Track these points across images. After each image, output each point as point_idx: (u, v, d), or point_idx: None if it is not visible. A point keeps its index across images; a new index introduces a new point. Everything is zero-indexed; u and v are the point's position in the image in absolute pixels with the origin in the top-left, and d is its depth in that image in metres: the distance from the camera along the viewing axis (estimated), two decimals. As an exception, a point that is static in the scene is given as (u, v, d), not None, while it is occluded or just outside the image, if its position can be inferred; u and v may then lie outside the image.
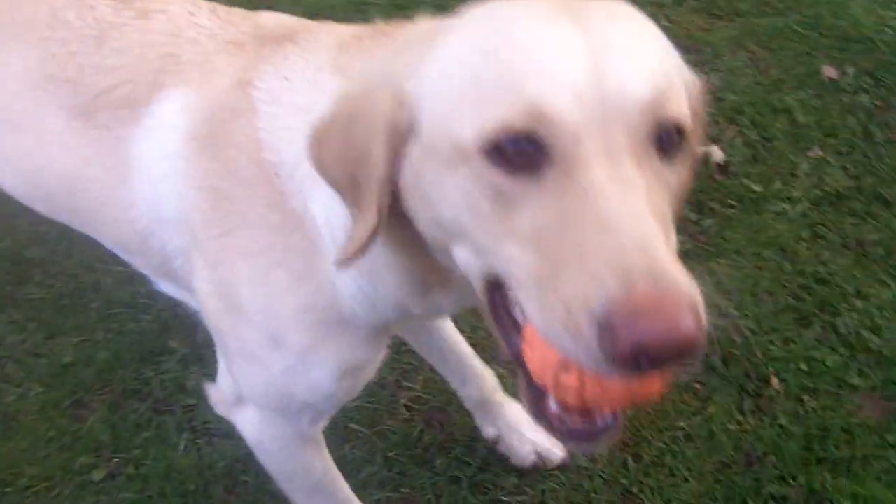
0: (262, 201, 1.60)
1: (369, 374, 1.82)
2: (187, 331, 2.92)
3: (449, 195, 1.21)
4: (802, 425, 2.81)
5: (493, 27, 1.22)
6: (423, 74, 1.25)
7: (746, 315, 3.08)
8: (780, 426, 2.81)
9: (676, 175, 1.23)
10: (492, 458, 2.70)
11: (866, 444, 2.72)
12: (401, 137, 1.25)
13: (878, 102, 3.88)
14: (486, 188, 1.16)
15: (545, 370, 1.20)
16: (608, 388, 1.16)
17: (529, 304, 1.15)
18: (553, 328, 1.10)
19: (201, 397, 2.70)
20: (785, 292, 3.18)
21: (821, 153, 3.66)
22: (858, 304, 3.12)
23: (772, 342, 3.03)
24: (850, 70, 4.01)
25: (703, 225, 3.35)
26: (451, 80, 1.21)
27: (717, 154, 3.53)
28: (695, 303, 1.09)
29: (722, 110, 3.77)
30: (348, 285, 1.58)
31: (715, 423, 2.80)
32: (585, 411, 1.24)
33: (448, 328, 2.59)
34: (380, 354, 1.80)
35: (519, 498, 2.64)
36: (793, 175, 3.57)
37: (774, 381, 2.91)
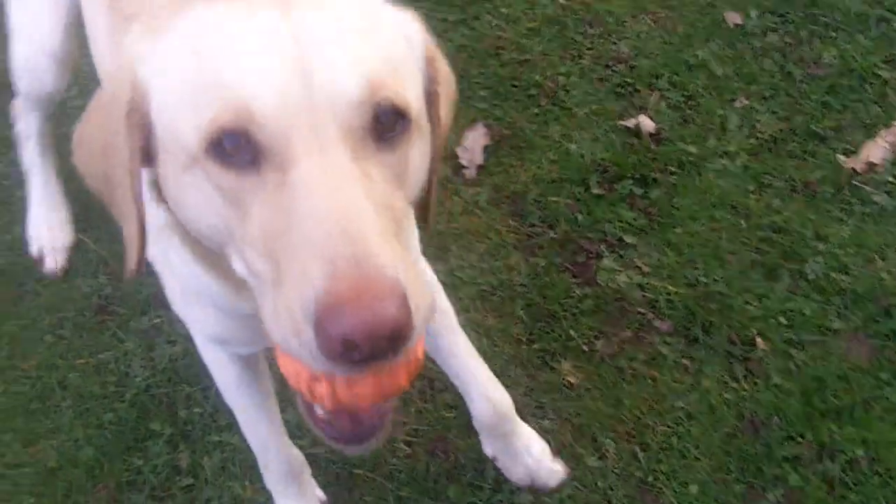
0: None
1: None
2: (167, 410, 2.90)
3: (191, 198, 1.23)
4: (797, 381, 2.89)
5: (207, 22, 1.23)
6: (151, 65, 1.25)
7: (715, 280, 3.15)
8: (776, 385, 2.89)
9: (402, 158, 1.24)
10: (502, 478, 2.72)
11: (863, 388, 2.82)
12: (143, 128, 1.27)
13: (788, 40, 3.96)
14: (218, 189, 1.18)
15: (299, 380, 1.22)
16: (355, 387, 1.18)
17: (264, 311, 1.17)
18: (282, 333, 1.12)
19: (198, 476, 2.70)
20: (747, 249, 3.26)
21: (746, 102, 3.73)
22: (821, 246, 3.22)
23: (747, 302, 3.10)
24: (753, 12, 4.07)
25: (651, 197, 3.40)
26: (171, 79, 1.22)
27: (647, 123, 3.59)
28: (399, 287, 1.06)
29: (640, 77, 3.81)
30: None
31: (712, 396, 2.87)
32: (352, 414, 1.27)
33: (461, 342, 2.61)
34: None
35: (538, 510, 2.67)
36: (724, 129, 3.64)
37: (759, 340, 2.99)
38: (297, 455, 2.58)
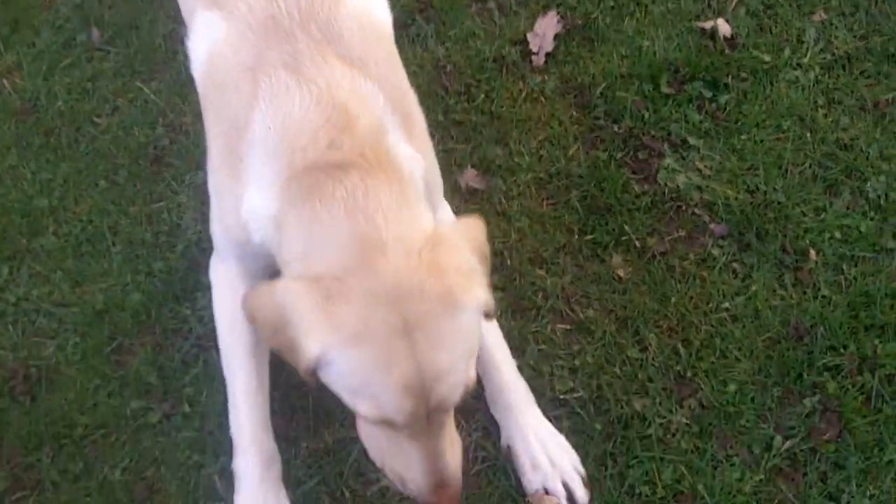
0: (230, 144, 2.32)
1: None
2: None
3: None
4: (845, 294, 2.94)
5: (365, 363, 1.91)
6: (320, 354, 1.92)
7: (775, 189, 3.19)
8: (824, 297, 2.95)
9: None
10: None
11: (911, 307, 2.88)
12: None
13: (872, -43, 3.90)
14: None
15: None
16: None
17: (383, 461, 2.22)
18: (394, 480, 2.20)
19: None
20: (810, 162, 3.29)
21: (825, 16, 3.71)
22: (884, 166, 3.24)
23: (804, 213, 3.14)
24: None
25: (719, 101, 3.42)
26: (340, 376, 1.96)
27: (724, 27, 3.59)
28: (459, 489, 2.14)
29: (721, -19, 3.79)
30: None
31: (759, 301, 2.93)
32: None
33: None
34: None
35: (576, 395, 2.76)
36: (800, 41, 3.63)
37: (811, 252, 3.04)
38: (272, 446, 2.57)
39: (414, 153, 2.27)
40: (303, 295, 1.90)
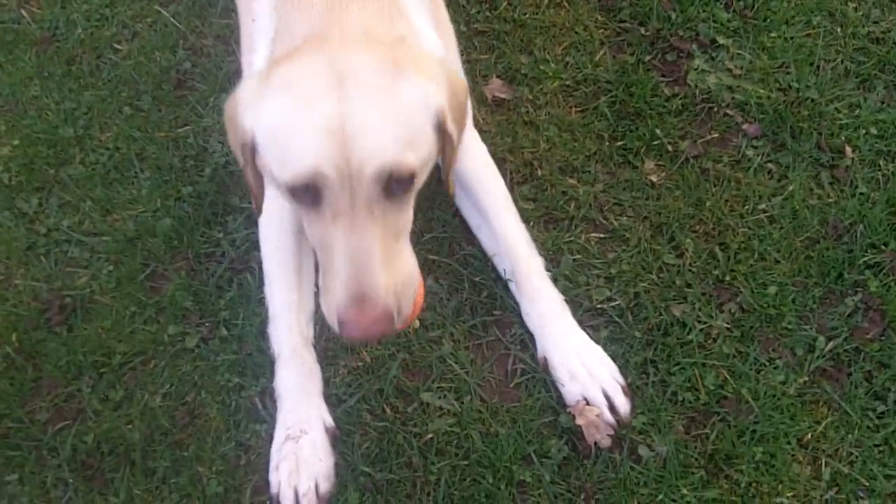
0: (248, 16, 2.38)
1: None
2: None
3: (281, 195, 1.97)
4: (884, 190, 2.79)
5: (289, 106, 1.83)
6: (256, 125, 1.90)
7: (808, 86, 3.02)
8: (862, 194, 2.80)
9: (406, 201, 1.92)
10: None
11: (953, 200, 2.72)
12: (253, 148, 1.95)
13: None
14: (295, 206, 1.94)
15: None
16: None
17: (322, 295, 1.97)
18: (324, 309, 1.95)
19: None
20: (842, 57, 3.11)
21: None
22: (919, 57, 3.05)
23: (838, 110, 2.98)
24: None
25: (746, 0, 3.22)
26: (267, 140, 1.88)
27: (751, -77, 3.36)
28: (388, 312, 1.83)
29: None
30: None
31: (796, 201, 2.78)
32: None
33: (511, 225, 2.61)
34: None
35: (613, 304, 2.63)
36: (826, -67, 3.41)
37: (847, 149, 2.88)
38: (313, 360, 2.50)
39: (434, 37, 2.27)
40: (251, 79, 1.96)
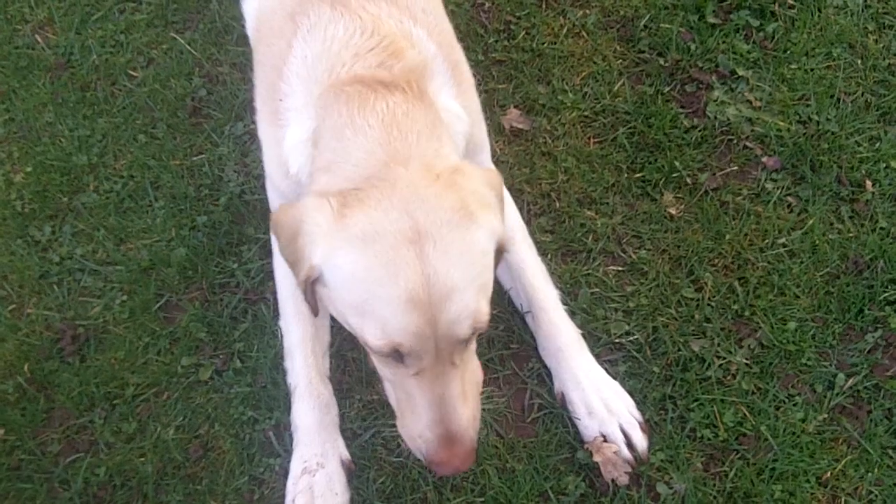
0: (272, 88, 2.30)
1: None
2: (262, 216, 2.91)
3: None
4: (905, 225, 2.84)
5: (372, 272, 1.85)
6: (323, 263, 1.93)
7: (828, 119, 3.08)
8: (882, 229, 2.85)
9: (474, 342, 2.05)
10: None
11: (974, 239, 2.77)
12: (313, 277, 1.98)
13: None
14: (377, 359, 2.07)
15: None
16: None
17: (399, 418, 2.12)
18: (406, 439, 2.09)
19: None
20: (862, 90, 3.17)
21: (871, -64, 3.55)
22: (940, 92, 3.11)
23: (858, 143, 3.03)
24: None
25: (767, 30, 3.30)
26: (344, 291, 1.93)
27: (769, -46, 3.43)
28: (472, 450, 2.02)
29: None
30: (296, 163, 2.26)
31: (816, 235, 2.83)
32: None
33: (529, 259, 2.66)
34: None
35: (631, 338, 2.68)
36: (846, -36, 3.48)
37: (868, 183, 2.94)
38: (329, 392, 2.56)
39: (458, 110, 2.26)
40: (319, 205, 1.91)
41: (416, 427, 2.00)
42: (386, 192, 1.87)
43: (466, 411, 1.99)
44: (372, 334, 1.88)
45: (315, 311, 2.10)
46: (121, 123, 3.22)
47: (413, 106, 2.04)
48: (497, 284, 2.70)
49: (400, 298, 1.82)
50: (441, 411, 1.96)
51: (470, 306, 1.87)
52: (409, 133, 1.98)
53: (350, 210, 1.87)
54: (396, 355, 1.92)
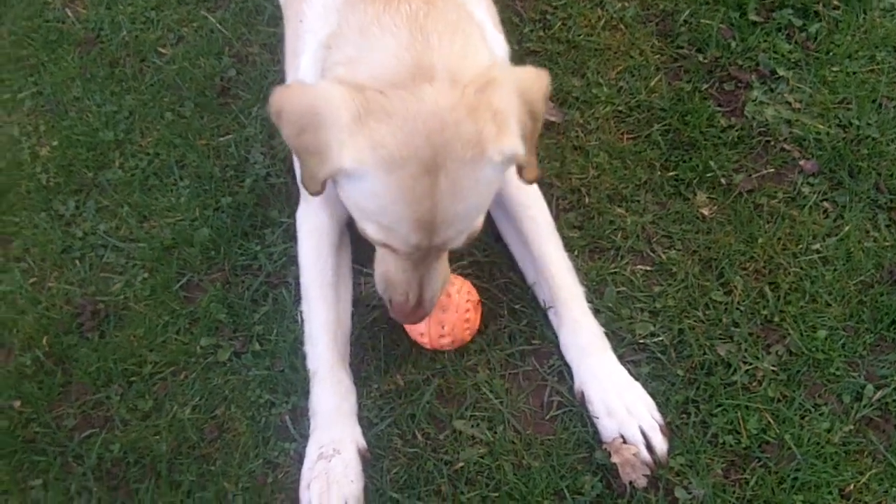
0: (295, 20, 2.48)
1: None
2: (286, 199, 2.93)
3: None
4: (944, 236, 2.82)
5: (391, 194, 1.99)
6: (349, 168, 1.97)
7: (868, 124, 3.06)
8: (920, 238, 2.83)
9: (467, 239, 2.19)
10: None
11: None
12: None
13: None
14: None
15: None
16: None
17: (376, 268, 2.37)
18: (379, 287, 2.38)
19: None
20: (906, 95, 3.14)
21: (920, -63, 3.52)
22: None
23: (900, 150, 3.01)
24: None
25: (810, 31, 3.28)
26: (360, 198, 2.07)
27: (815, -49, 3.42)
28: (426, 313, 2.36)
29: None
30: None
31: (851, 242, 2.82)
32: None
33: (552, 251, 2.68)
34: None
35: (656, 339, 2.68)
36: (895, -35, 3.45)
37: (907, 191, 2.91)
38: (348, 379, 2.59)
39: (500, 38, 2.41)
40: (344, 101, 1.95)
41: (394, 290, 2.30)
42: (412, 111, 1.93)
43: (436, 286, 2.31)
44: (373, 232, 2.11)
45: (320, 192, 2.13)
46: (148, 101, 3.25)
47: (439, 7, 2.10)
48: (520, 279, 2.71)
49: (409, 219, 2.02)
50: (418, 288, 2.26)
51: (467, 227, 2.13)
52: (433, 35, 2.02)
53: (375, 120, 1.94)
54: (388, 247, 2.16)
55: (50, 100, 3.30)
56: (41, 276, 2.92)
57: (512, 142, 2.02)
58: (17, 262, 2.97)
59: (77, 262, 2.93)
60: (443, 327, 2.56)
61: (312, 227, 2.68)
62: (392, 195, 1.99)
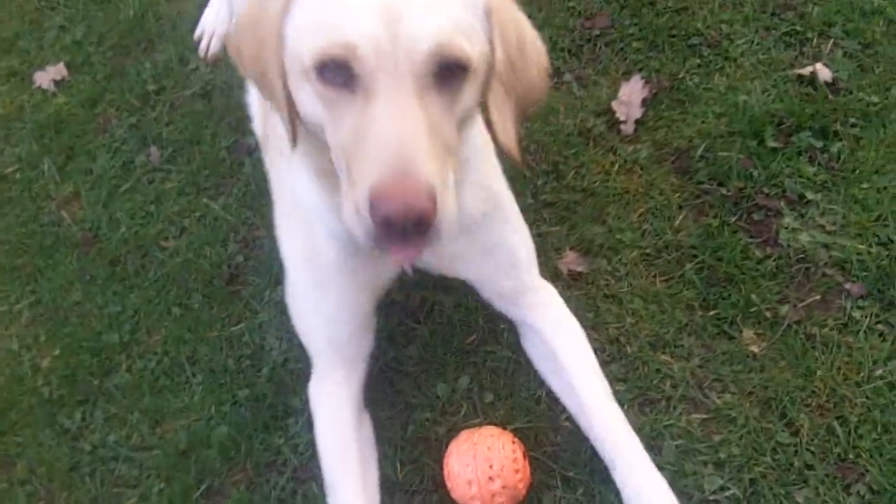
0: None
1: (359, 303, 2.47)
2: (307, 383, 2.77)
3: (305, 102, 1.77)
4: None
5: None
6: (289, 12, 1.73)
7: (912, 239, 2.94)
8: (984, 352, 2.67)
9: (457, 97, 1.73)
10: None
11: None
12: (281, 44, 1.77)
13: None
14: (321, 97, 1.70)
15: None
16: None
17: (344, 207, 1.69)
18: (351, 219, 1.65)
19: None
20: (943, 205, 3.04)
21: (928, 48, 3.50)
22: None
23: (948, 265, 2.88)
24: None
25: (832, 151, 3.20)
26: (301, 14, 1.73)
27: (823, 72, 3.39)
28: (431, 191, 1.56)
29: (810, 25, 3.62)
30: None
31: (915, 363, 2.66)
32: None
33: (601, 393, 2.50)
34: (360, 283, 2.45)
35: (727, 493, 2.49)
36: (907, 78, 3.42)
37: (963, 304, 2.77)
38: None
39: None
40: None
41: (360, 176, 1.62)
42: None
43: (429, 161, 1.60)
44: (326, 41, 1.65)
45: (294, 137, 1.86)
46: (153, 297, 3.15)
47: None
48: (568, 443, 2.54)
49: (365, 4, 1.63)
50: (395, 147, 1.58)
51: (443, 30, 1.65)
52: None
53: None
54: (345, 74, 1.65)
55: (49, 307, 3.20)
56: (49, 500, 2.75)
57: None
58: (23, 486, 2.80)
59: (87, 478, 2.77)
60: (491, 466, 2.34)
61: (328, 410, 2.52)
62: None
